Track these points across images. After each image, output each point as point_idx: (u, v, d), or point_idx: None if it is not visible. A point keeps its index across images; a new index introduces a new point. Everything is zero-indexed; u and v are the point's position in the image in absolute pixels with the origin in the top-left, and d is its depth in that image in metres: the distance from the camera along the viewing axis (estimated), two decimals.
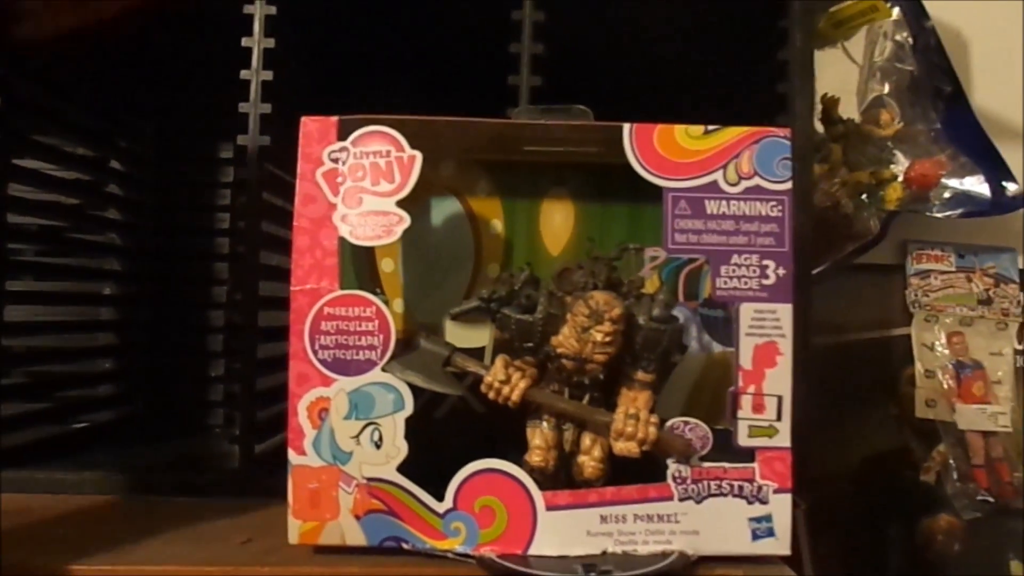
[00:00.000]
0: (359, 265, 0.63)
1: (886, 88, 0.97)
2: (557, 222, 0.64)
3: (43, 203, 0.79)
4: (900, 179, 0.93)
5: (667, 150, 0.54)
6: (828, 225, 0.92)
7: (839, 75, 0.98)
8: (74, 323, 0.87)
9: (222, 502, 0.65)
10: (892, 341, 0.98)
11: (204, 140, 0.94)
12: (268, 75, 0.67)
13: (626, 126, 0.54)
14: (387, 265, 0.64)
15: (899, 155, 0.96)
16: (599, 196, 0.64)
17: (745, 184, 0.53)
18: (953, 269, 0.99)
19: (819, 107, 0.94)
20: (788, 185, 0.53)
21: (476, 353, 0.60)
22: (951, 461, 0.91)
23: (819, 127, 0.95)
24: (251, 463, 0.67)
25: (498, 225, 0.64)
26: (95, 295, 0.91)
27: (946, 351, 0.95)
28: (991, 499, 0.91)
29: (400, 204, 0.53)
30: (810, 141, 0.69)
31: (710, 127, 0.54)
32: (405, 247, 0.63)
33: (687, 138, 0.54)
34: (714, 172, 0.53)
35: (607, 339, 0.50)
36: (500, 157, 0.63)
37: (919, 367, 0.95)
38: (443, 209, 0.64)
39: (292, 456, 0.52)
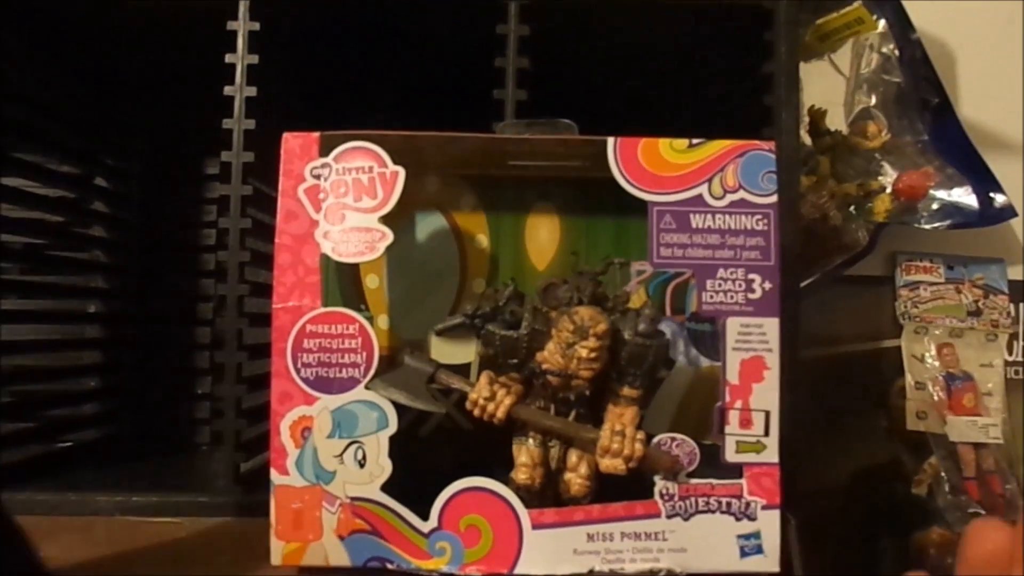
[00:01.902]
0: (344, 282, 0.62)
1: (873, 100, 0.97)
2: (543, 236, 0.64)
3: (27, 221, 0.79)
4: (888, 191, 0.93)
5: (651, 164, 0.53)
6: (816, 237, 0.91)
7: (826, 87, 0.98)
8: (59, 341, 0.86)
9: (206, 521, 0.64)
10: (882, 353, 0.97)
11: (190, 156, 0.94)
12: (252, 91, 0.67)
13: (610, 140, 0.53)
14: (372, 281, 0.63)
15: (887, 167, 0.95)
16: (585, 210, 0.64)
17: (730, 197, 0.53)
18: (942, 280, 0.98)
19: (806, 119, 0.93)
20: (773, 198, 0.53)
21: (462, 370, 0.60)
22: (942, 474, 0.91)
23: (806, 139, 0.94)
24: (236, 482, 0.67)
25: (483, 240, 0.64)
26: (80, 313, 0.90)
27: (936, 363, 0.94)
28: (983, 512, 0.90)
29: (384, 220, 0.53)
30: (796, 153, 0.68)
31: (694, 140, 0.54)
32: (390, 263, 0.63)
33: (671, 152, 0.53)
34: (699, 186, 0.53)
35: (592, 355, 0.50)
36: (485, 172, 0.62)
37: (909, 379, 0.94)
38: (428, 225, 0.63)
39: (274, 476, 0.51)
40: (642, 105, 0.75)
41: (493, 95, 0.67)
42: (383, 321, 0.63)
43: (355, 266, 0.63)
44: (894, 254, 0.98)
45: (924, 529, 0.91)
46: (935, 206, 0.94)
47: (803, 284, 0.89)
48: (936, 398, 0.93)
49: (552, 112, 0.61)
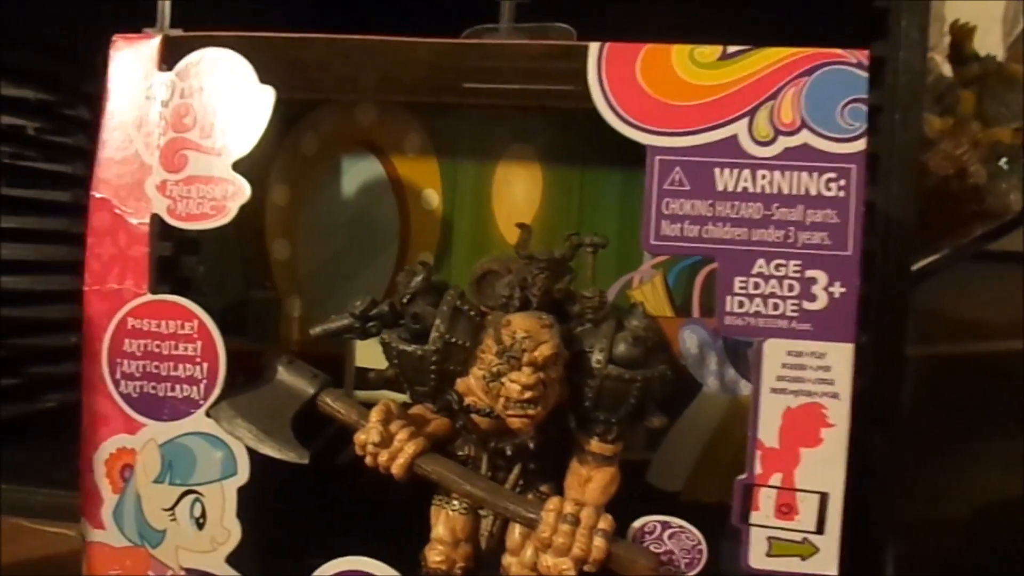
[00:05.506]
0: (243, 248, 0.46)
1: None
2: (518, 194, 0.46)
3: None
4: None
5: (657, 85, 0.34)
6: (949, 199, 0.73)
7: None
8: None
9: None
10: None
11: None
12: None
13: (593, 46, 0.34)
14: (280, 249, 0.47)
15: None
16: (579, 156, 0.45)
17: (785, 142, 0.33)
18: None
19: (946, 38, 0.75)
20: (860, 144, 0.33)
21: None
22: None
23: (945, 68, 0.75)
24: None
25: (434, 197, 0.46)
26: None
27: None
28: None
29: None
30: (919, 78, 0.49)
31: (732, 48, 0.34)
32: (304, 226, 0.46)
33: (691, 65, 0.34)
34: (734, 122, 0.33)
35: (527, 394, 0.31)
36: (434, 99, 0.44)
37: None
38: (358, 172, 0.47)
39: (87, 529, 0.36)
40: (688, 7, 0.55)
41: None
42: (294, 304, 0.46)
43: (258, 227, 0.46)
44: None
45: None
46: None
47: (928, 261, 0.70)
48: None
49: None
